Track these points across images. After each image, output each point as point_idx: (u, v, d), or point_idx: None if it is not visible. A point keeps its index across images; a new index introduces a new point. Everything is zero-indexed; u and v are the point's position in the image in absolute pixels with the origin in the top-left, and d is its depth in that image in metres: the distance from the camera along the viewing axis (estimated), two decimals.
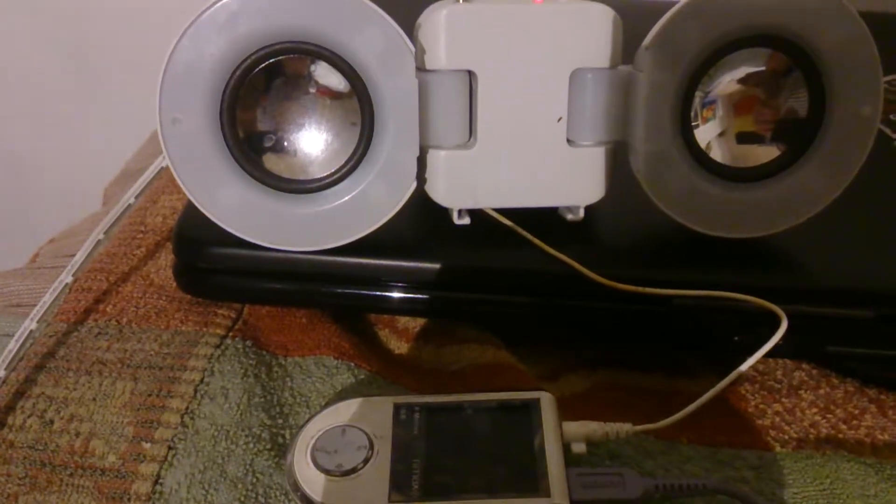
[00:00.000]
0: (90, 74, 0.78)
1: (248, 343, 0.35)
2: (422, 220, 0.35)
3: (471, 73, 0.33)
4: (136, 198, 0.36)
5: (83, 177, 0.65)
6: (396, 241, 0.34)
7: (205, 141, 0.32)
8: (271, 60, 0.32)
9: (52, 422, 0.31)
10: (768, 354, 0.31)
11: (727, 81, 0.33)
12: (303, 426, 0.29)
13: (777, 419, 0.33)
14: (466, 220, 0.35)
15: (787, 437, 0.32)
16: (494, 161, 0.34)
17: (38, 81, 0.79)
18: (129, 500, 0.29)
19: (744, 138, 0.34)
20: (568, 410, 0.30)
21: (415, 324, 0.37)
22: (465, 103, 0.33)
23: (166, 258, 0.39)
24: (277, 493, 0.29)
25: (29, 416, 0.32)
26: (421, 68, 0.32)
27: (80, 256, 0.35)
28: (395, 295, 0.35)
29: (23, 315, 0.34)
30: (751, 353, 0.31)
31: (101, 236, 0.36)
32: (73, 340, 0.35)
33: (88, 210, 0.48)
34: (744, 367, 0.31)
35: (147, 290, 0.37)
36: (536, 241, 0.34)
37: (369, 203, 0.33)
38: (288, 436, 0.31)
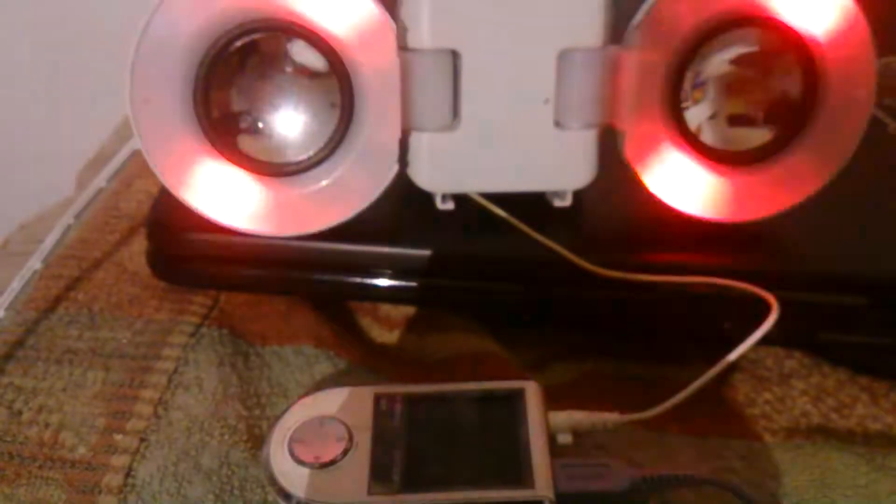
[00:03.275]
0: (64, 54, 0.77)
1: (224, 331, 0.34)
2: (404, 204, 0.35)
3: (455, 53, 0.32)
4: (108, 182, 0.35)
5: (57, 160, 0.64)
6: (378, 226, 0.34)
7: (178, 122, 0.31)
8: (247, 38, 0.31)
9: (20, 413, 0.31)
10: (759, 342, 0.31)
11: (718, 62, 0.32)
12: (279, 417, 0.28)
13: (767, 408, 0.33)
14: (450, 205, 0.34)
15: (777, 426, 0.32)
16: (479, 144, 0.33)
17: (9, 62, 0.78)
18: (99, 493, 0.28)
19: (735, 121, 0.33)
20: (554, 400, 0.30)
21: (397, 312, 0.36)
22: (450, 84, 0.32)
23: (140, 244, 0.38)
24: (254, 486, 0.28)
25: None
26: (403, 47, 0.31)
27: (49, 242, 0.35)
28: (377, 282, 0.34)
29: None
30: (741, 341, 0.31)
31: (71, 221, 0.35)
32: (43, 329, 0.34)
33: (62, 195, 0.47)
34: (733, 354, 0.30)
35: (120, 277, 0.36)
36: (523, 227, 0.33)
37: (349, 187, 0.32)
38: (265, 427, 0.30)
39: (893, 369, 0.34)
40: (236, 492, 0.28)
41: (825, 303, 0.33)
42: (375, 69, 0.31)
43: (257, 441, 0.30)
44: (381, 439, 0.27)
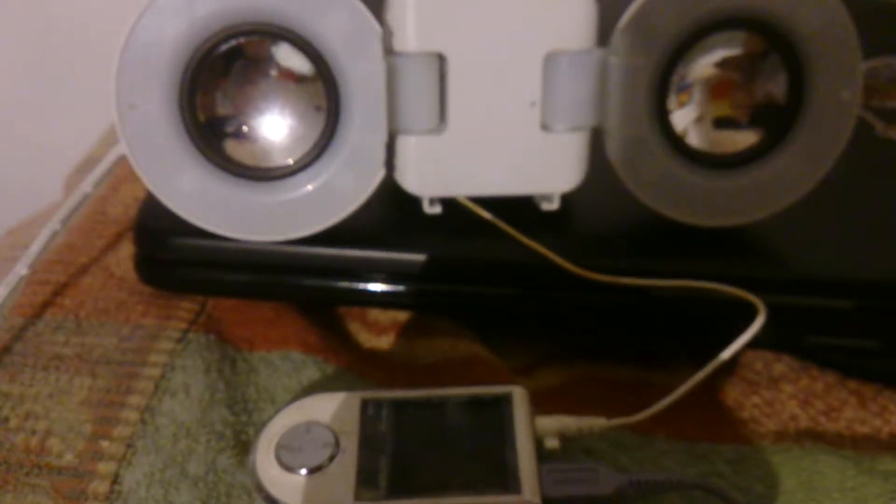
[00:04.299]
0: (53, 57, 0.77)
1: (212, 337, 0.34)
2: (392, 208, 0.34)
3: (441, 56, 0.32)
4: (95, 187, 0.35)
5: (45, 165, 0.64)
6: (365, 230, 0.33)
7: (163, 127, 0.31)
8: (233, 42, 0.30)
9: (7, 419, 0.30)
10: (747, 346, 0.31)
11: (704, 65, 0.32)
12: (266, 423, 0.28)
13: (756, 412, 0.33)
14: (438, 209, 0.34)
15: (765, 429, 0.32)
16: (466, 147, 0.33)
17: None
18: (86, 499, 0.28)
19: (721, 124, 0.33)
20: (542, 405, 0.30)
21: (385, 317, 0.36)
22: (436, 87, 0.32)
23: (127, 249, 0.38)
24: (240, 492, 0.28)
25: None
26: (389, 51, 0.31)
27: (35, 247, 0.34)
28: (365, 286, 0.34)
29: None
30: (729, 345, 0.31)
31: (57, 227, 0.35)
32: (30, 335, 0.34)
33: (50, 199, 0.47)
34: (720, 358, 0.30)
35: (107, 283, 0.36)
36: (510, 231, 0.33)
37: (336, 191, 0.32)
38: (252, 433, 0.30)
39: (882, 372, 0.34)
40: (223, 498, 0.28)
41: (813, 306, 0.33)
42: (361, 73, 0.31)
43: (244, 447, 0.30)
44: (367, 445, 0.27)
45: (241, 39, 0.30)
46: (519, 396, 0.28)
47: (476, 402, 0.28)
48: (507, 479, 0.26)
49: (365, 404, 0.28)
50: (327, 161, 0.32)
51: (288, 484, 0.26)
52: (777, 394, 0.33)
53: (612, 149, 0.33)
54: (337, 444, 0.27)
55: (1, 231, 0.44)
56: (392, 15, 0.31)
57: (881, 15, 0.49)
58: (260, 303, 0.36)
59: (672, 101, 0.32)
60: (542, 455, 0.27)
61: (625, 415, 0.29)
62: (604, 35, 0.32)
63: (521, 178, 0.34)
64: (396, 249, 0.33)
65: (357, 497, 0.25)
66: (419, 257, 0.33)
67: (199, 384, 0.32)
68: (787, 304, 0.33)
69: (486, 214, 0.34)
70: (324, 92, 0.31)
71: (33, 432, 0.30)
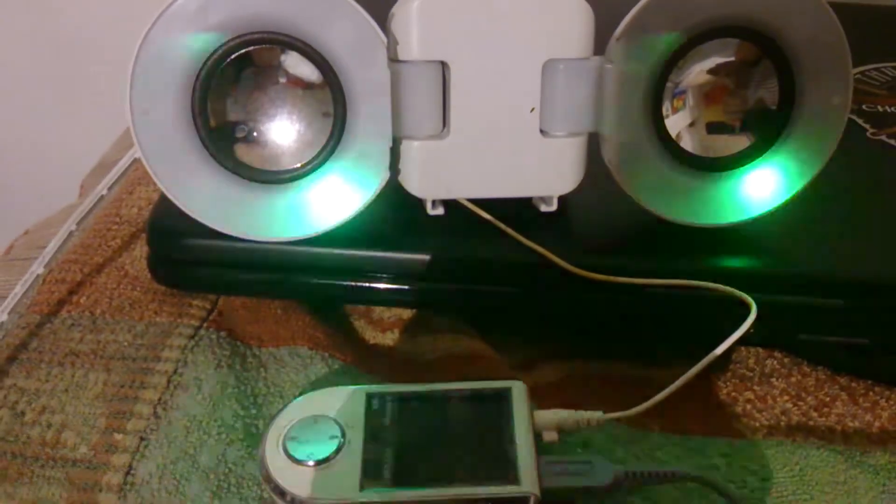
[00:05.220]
0: (69, 63, 0.78)
1: (223, 334, 0.35)
2: (396, 210, 0.35)
3: (444, 64, 0.33)
4: (110, 189, 0.36)
5: (61, 168, 0.65)
6: (370, 231, 0.34)
7: (176, 132, 0.32)
8: (243, 51, 0.31)
9: (23, 413, 0.31)
10: (740, 342, 0.31)
11: (697, 72, 0.33)
12: (275, 416, 0.29)
13: (748, 407, 0.33)
14: (440, 211, 0.35)
15: (758, 424, 0.33)
16: (468, 151, 0.34)
17: (15, 69, 0.78)
18: (100, 491, 0.29)
19: (714, 128, 0.34)
20: (541, 399, 0.30)
21: (390, 314, 0.37)
22: (439, 94, 0.33)
23: (141, 249, 0.39)
24: (250, 484, 0.29)
25: (0, 408, 0.31)
26: (394, 59, 0.32)
27: (52, 247, 0.35)
28: (370, 285, 0.35)
29: None
30: (722, 342, 0.31)
31: (73, 227, 0.36)
32: (46, 332, 0.35)
33: (66, 201, 0.48)
34: (713, 354, 0.31)
35: (121, 282, 0.37)
36: (510, 232, 0.34)
37: (342, 194, 0.33)
38: (261, 426, 0.31)
39: (871, 369, 0.34)
40: (233, 489, 0.29)
41: (804, 304, 0.34)
42: (367, 80, 0.32)
43: (254, 440, 0.31)
44: (372, 437, 0.28)
45: (252, 48, 0.31)
46: (518, 391, 0.29)
47: (477, 397, 0.29)
48: (506, 471, 0.26)
49: (370, 398, 0.29)
50: (334, 165, 0.33)
51: (296, 475, 0.27)
52: (769, 389, 0.34)
53: (609, 153, 0.34)
54: (343, 436, 0.28)
55: (18, 231, 0.45)
56: (396, 24, 0.32)
57: (873, 20, 0.50)
58: (269, 301, 0.36)
59: (667, 107, 0.33)
60: (541, 448, 0.28)
61: (621, 409, 0.30)
62: (601, 43, 0.33)
63: (520, 182, 0.34)
64: (400, 249, 0.34)
65: (363, 487, 0.26)
66: (422, 257, 0.34)
67: (210, 379, 0.32)
68: (779, 301, 0.34)
69: (486, 216, 0.34)
70: (331, 98, 0.32)
71: (49, 426, 0.31)
